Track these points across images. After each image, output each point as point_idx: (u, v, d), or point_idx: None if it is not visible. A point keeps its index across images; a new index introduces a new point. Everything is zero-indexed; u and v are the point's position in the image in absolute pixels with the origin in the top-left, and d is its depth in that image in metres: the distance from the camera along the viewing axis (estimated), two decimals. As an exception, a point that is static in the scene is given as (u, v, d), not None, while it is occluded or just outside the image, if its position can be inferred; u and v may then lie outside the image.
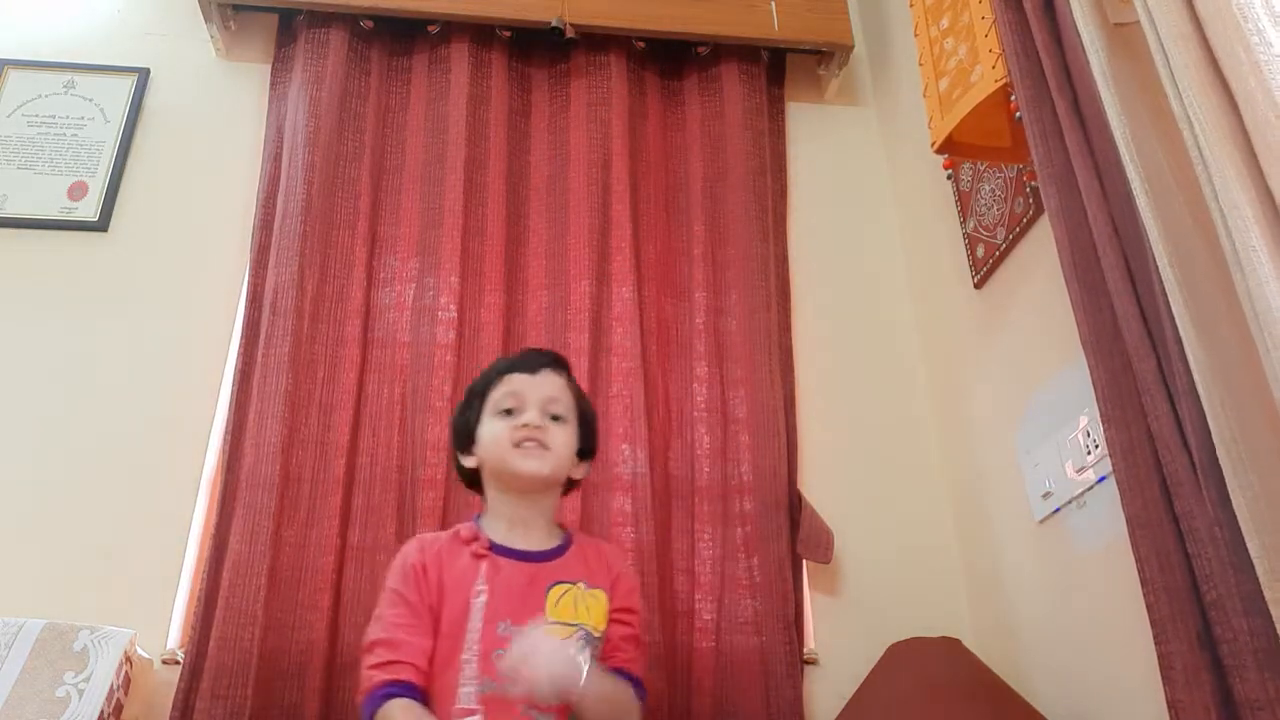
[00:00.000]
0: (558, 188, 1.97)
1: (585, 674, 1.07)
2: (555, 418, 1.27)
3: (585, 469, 1.36)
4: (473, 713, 1.10)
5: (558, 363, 1.35)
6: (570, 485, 1.34)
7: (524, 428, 1.24)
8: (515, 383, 1.28)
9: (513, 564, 1.22)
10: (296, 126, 1.90)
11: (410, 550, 1.24)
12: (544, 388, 1.29)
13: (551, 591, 1.21)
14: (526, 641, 1.08)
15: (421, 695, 1.13)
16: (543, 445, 1.24)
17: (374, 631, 1.17)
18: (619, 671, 1.21)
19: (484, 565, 1.21)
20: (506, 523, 1.26)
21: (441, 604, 1.18)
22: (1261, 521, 0.83)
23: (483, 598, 1.18)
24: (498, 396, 1.28)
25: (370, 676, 1.13)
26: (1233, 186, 0.84)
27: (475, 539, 1.23)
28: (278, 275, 1.74)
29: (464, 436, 1.31)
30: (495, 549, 1.23)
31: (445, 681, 1.13)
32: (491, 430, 1.26)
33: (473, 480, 1.33)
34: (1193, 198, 0.93)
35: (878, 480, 1.84)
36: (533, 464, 1.23)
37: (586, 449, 1.34)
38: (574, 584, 1.23)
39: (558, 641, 1.11)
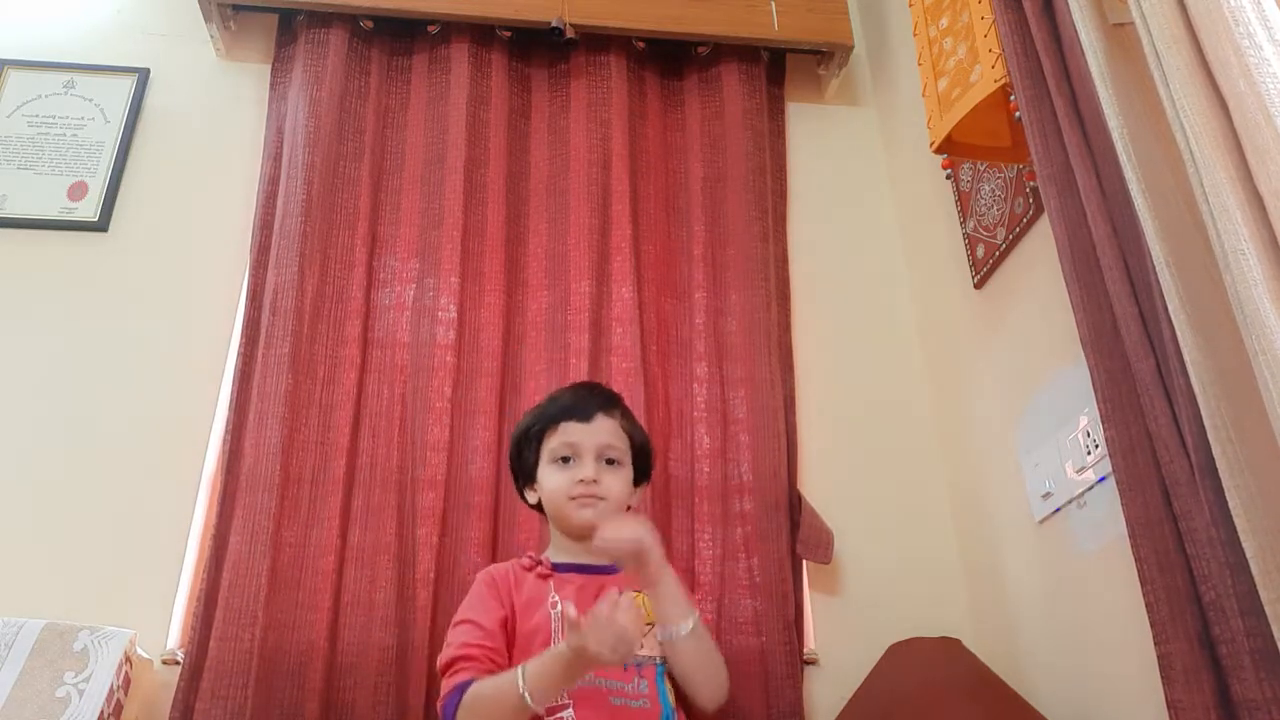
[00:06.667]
0: (558, 188, 1.97)
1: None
2: (610, 461, 1.32)
3: (639, 493, 1.41)
4: (564, 706, 1.14)
5: (610, 404, 1.38)
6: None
7: (580, 484, 1.28)
8: (570, 432, 1.32)
9: (579, 577, 1.28)
10: (296, 126, 1.90)
11: (479, 581, 1.30)
12: (598, 435, 1.32)
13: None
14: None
15: None
16: (598, 498, 1.29)
17: (445, 655, 1.21)
18: None
19: (551, 582, 1.27)
20: (568, 551, 1.32)
21: (515, 622, 1.23)
22: (1257, 522, 0.83)
23: (559, 607, 1.22)
24: (554, 445, 1.33)
25: (445, 687, 1.17)
26: (1222, 189, 0.84)
27: (538, 564, 1.29)
28: (278, 275, 1.74)
29: (525, 475, 1.37)
30: (558, 568, 1.29)
31: None
32: (551, 481, 1.32)
33: (538, 505, 1.38)
34: (1190, 198, 0.93)
35: (878, 480, 1.84)
36: (588, 515, 1.28)
37: (642, 475, 1.39)
38: (639, 591, 1.26)
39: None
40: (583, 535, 1.28)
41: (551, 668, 1.09)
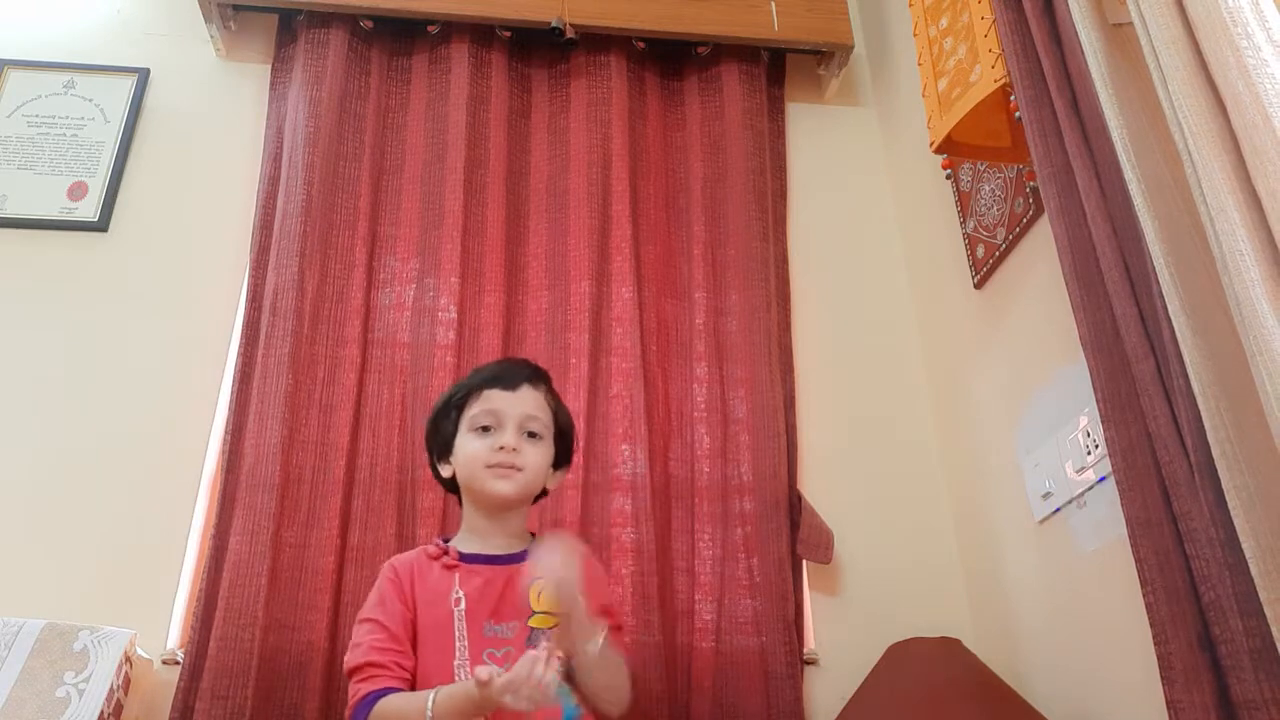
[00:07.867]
0: (558, 188, 1.97)
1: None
2: (532, 434, 1.29)
3: (559, 478, 1.37)
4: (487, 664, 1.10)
5: (537, 376, 1.35)
6: (542, 493, 1.34)
7: (499, 451, 1.25)
8: (493, 400, 1.29)
9: (487, 568, 1.24)
10: (296, 126, 1.90)
11: (384, 574, 1.26)
12: (522, 405, 1.29)
13: (533, 586, 1.22)
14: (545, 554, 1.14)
15: None
16: (515, 468, 1.25)
17: (354, 658, 1.18)
18: None
19: (456, 575, 1.23)
20: (479, 534, 1.29)
21: (416, 618, 1.20)
22: (1256, 522, 0.83)
23: (462, 605, 1.20)
24: (475, 412, 1.29)
25: (356, 691, 1.15)
26: (1220, 189, 0.84)
27: (445, 554, 1.26)
28: (278, 275, 1.74)
29: (441, 446, 1.33)
30: (465, 558, 1.25)
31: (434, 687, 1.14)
32: (468, 448, 1.28)
33: (450, 485, 1.35)
34: (1190, 198, 0.93)
35: (878, 480, 1.84)
36: (503, 486, 1.25)
37: (563, 459, 1.35)
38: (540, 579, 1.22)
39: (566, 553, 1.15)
40: (495, 507, 1.27)
41: (462, 705, 1.08)
